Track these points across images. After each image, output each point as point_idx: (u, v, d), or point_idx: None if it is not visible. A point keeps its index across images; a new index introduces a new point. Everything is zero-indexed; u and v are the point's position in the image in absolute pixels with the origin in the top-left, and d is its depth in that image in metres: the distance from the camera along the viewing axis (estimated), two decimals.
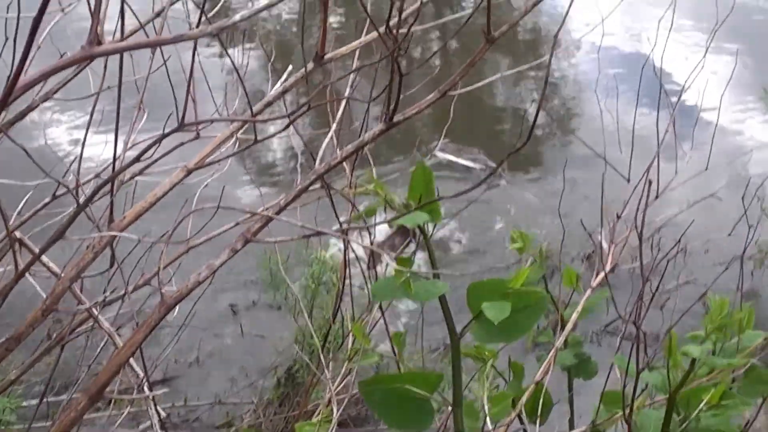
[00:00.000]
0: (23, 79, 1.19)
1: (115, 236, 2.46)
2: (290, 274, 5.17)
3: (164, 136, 2.12)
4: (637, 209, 2.60)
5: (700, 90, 5.41)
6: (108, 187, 2.48)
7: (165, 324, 2.92)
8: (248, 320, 6.17)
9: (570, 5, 2.20)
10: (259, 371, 5.64)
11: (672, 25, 3.99)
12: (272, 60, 3.62)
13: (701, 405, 2.30)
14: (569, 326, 2.76)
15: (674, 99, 6.58)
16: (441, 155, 8.12)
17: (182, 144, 2.54)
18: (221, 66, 8.28)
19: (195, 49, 2.21)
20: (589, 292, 2.96)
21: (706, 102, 6.28)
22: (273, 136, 2.67)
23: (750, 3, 10.90)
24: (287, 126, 2.27)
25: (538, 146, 8.39)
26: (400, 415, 2.42)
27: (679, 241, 3.19)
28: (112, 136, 2.40)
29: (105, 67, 2.71)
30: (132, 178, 2.94)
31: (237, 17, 1.24)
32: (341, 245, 3.66)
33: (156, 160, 2.52)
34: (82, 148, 2.53)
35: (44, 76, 1.16)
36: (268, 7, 1.26)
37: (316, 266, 4.84)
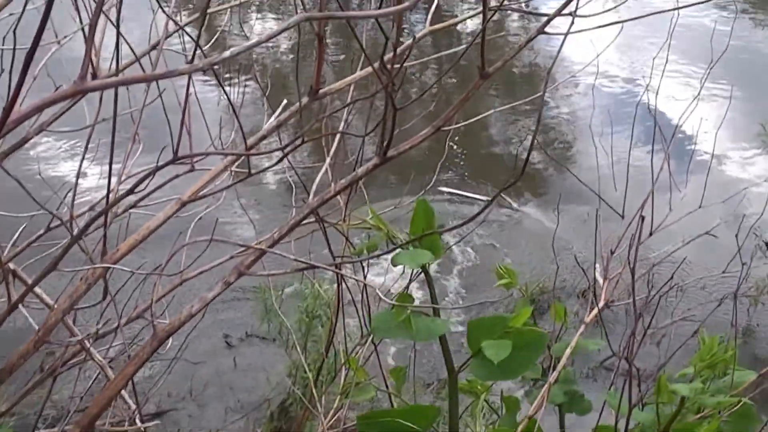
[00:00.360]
0: (15, 112, 1.20)
1: (108, 268, 2.46)
2: (285, 306, 5.17)
3: (158, 168, 2.13)
4: (629, 245, 2.61)
5: (695, 128, 5.44)
6: (102, 219, 2.48)
7: (159, 356, 2.91)
8: (242, 352, 6.14)
9: (563, 43, 2.22)
10: (253, 404, 5.61)
11: (666, 63, 4.01)
12: (268, 93, 3.63)
13: None
14: (562, 362, 2.75)
15: (679, 137, 6.60)
16: (446, 189, 8.19)
17: (177, 177, 2.54)
18: (218, 99, 8.30)
19: (189, 83, 2.22)
20: (582, 328, 2.95)
21: (705, 141, 6.33)
22: (267, 169, 2.68)
23: (761, 48, 10.99)
24: (281, 159, 2.28)
25: (548, 181, 8.42)
26: None
27: (672, 277, 3.19)
28: (108, 168, 2.40)
29: (101, 100, 2.72)
30: (126, 210, 2.94)
31: (227, 53, 1.25)
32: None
33: (150, 193, 2.52)
34: (77, 180, 2.54)
35: (36, 110, 1.16)
36: (257, 44, 1.26)
37: (310, 300, 4.83)
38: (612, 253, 3.22)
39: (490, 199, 3.26)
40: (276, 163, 2.38)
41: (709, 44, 4.50)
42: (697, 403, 2.28)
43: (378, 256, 2.48)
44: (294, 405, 5.07)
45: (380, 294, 2.14)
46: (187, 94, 2.28)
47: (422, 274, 2.53)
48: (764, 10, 12.48)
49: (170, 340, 2.50)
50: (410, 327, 2.28)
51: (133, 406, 2.97)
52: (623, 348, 2.46)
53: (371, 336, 3.18)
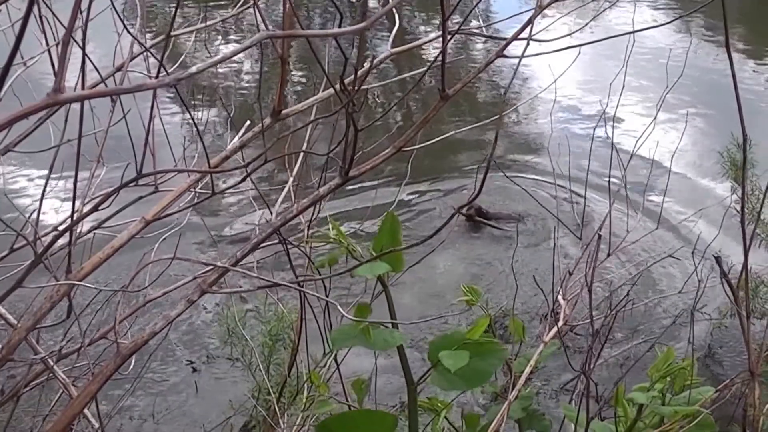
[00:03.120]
0: None
1: (72, 286, 2.47)
2: (248, 330, 5.16)
3: (121, 186, 2.15)
4: (586, 266, 2.67)
5: (654, 150, 5.53)
6: (67, 239, 2.49)
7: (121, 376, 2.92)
8: (206, 374, 6.13)
9: (518, 65, 2.27)
10: (216, 426, 5.60)
11: (623, 87, 4.09)
12: (232, 115, 3.67)
13: None
14: (522, 379, 2.80)
15: (646, 159, 6.69)
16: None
17: (141, 198, 2.56)
18: (181, 122, 8.30)
19: (154, 100, 2.25)
20: (542, 346, 3.00)
21: (668, 162, 6.42)
22: (230, 188, 2.71)
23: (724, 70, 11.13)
24: (245, 178, 2.31)
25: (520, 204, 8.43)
26: None
27: (627, 293, 3.26)
28: (73, 186, 2.42)
29: (66, 120, 2.74)
30: (91, 231, 2.96)
31: (193, 69, 1.29)
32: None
33: (115, 213, 2.55)
34: (41, 201, 2.54)
35: (8, 123, 1.19)
36: (222, 60, 1.30)
37: (273, 322, 4.83)
38: (570, 273, 3.29)
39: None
40: (240, 182, 2.42)
41: (677, 68, 4.61)
42: (655, 414, 2.32)
43: (339, 274, 2.51)
44: (257, 427, 5.06)
45: (341, 310, 2.17)
46: (152, 111, 2.31)
47: None
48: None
49: (133, 358, 2.52)
50: (368, 336, 2.32)
51: (96, 425, 2.97)
52: (581, 363, 2.51)
53: (334, 353, 3.21)
